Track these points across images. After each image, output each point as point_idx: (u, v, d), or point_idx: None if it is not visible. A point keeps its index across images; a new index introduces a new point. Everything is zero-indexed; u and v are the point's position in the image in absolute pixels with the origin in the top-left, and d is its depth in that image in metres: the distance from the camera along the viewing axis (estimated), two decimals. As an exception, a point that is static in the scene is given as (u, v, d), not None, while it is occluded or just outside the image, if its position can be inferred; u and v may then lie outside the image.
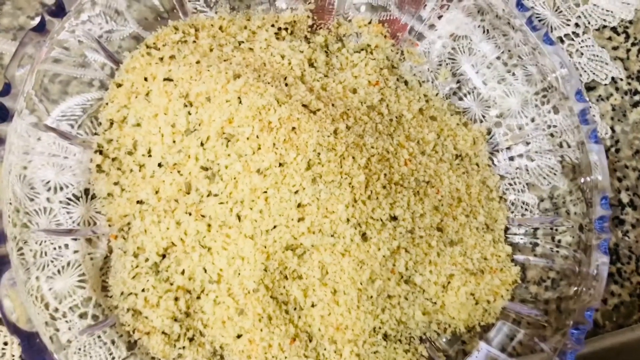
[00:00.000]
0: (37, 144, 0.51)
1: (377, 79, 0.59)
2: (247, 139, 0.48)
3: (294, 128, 0.49)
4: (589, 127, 0.53)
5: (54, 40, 0.49)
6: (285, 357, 0.49)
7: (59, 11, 0.49)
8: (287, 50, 0.57)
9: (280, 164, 0.48)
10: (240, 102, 0.49)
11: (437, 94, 0.62)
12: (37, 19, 0.48)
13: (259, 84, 0.50)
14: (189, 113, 0.50)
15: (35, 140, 0.50)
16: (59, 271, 0.49)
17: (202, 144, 0.50)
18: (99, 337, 0.49)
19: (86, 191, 0.53)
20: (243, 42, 0.57)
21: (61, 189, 0.52)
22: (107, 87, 0.55)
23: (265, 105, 0.49)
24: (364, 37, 0.62)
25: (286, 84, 0.53)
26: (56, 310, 0.48)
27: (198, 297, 0.50)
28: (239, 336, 0.49)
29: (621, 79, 0.69)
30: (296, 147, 0.48)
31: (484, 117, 0.62)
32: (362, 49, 0.61)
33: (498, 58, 0.60)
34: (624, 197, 0.66)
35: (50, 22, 0.49)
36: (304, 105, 0.51)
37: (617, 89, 0.69)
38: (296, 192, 0.48)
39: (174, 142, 0.51)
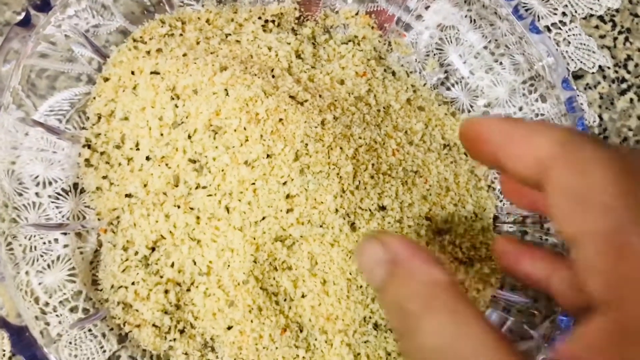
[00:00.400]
0: (25, 139, 0.51)
1: (365, 70, 0.59)
2: (235, 130, 0.48)
3: (281, 119, 0.49)
4: (575, 115, 0.54)
5: (39, 35, 0.49)
6: (276, 348, 0.50)
7: (44, 5, 0.49)
8: (274, 42, 0.57)
9: (267, 155, 0.48)
10: (227, 94, 0.49)
11: (424, 85, 0.62)
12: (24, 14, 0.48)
13: (246, 76, 0.50)
14: (176, 106, 0.50)
15: (23, 135, 0.51)
16: (48, 265, 0.50)
17: (189, 137, 0.50)
18: (90, 330, 0.49)
19: (75, 185, 0.53)
20: (230, 34, 0.57)
21: (50, 183, 0.52)
22: (94, 82, 0.55)
23: (252, 97, 0.49)
24: (351, 29, 0.62)
25: (273, 76, 0.53)
26: (46, 304, 0.48)
27: (188, 290, 0.50)
28: (229, 327, 0.50)
29: (608, 67, 0.69)
30: (284, 139, 0.48)
31: (472, 106, 0.62)
32: (350, 41, 0.61)
33: (485, 48, 0.61)
34: (612, 185, 0.66)
35: (36, 17, 0.49)
36: (291, 97, 0.51)
37: (604, 77, 0.69)
38: (284, 183, 0.48)
39: (162, 135, 0.51)
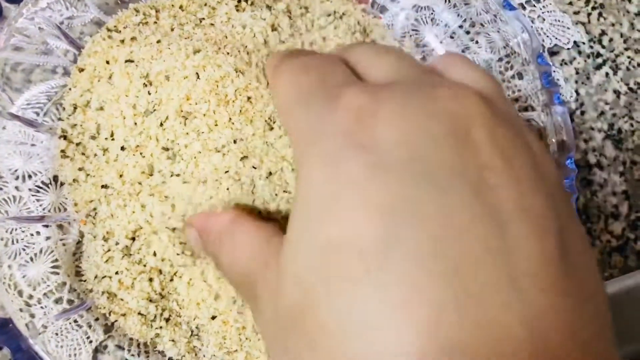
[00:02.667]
0: (3, 132, 0.51)
1: (349, 42, 0.57)
2: (204, 115, 0.47)
3: (249, 98, 0.48)
4: (552, 89, 0.54)
5: (12, 27, 0.49)
6: (259, 340, 0.50)
7: (15, -3, 0.49)
8: (249, 20, 0.55)
9: (234, 141, 0.47)
10: (198, 77, 0.48)
11: (402, 65, 0.62)
12: (-5, 8, 0.48)
13: (218, 56, 0.49)
14: (149, 93, 0.49)
15: (1, 129, 0.50)
16: (31, 258, 0.49)
17: (161, 124, 0.48)
18: (76, 321, 0.49)
19: (55, 178, 0.53)
20: (204, 19, 0.56)
21: (30, 176, 0.52)
22: (70, 74, 0.54)
23: (223, 76, 0.48)
24: (327, 5, 0.60)
25: (247, 52, 0.52)
26: (30, 296, 0.48)
27: (171, 280, 0.50)
28: (213, 317, 0.49)
29: (583, 43, 0.70)
30: (250, 120, 0.47)
31: (449, 86, 0.62)
32: (329, 14, 0.59)
33: (461, 27, 0.61)
34: (591, 158, 0.67)
35: (7, 9, 0.48)
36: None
37: (579, 52, 0.70)
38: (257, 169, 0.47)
39: (135, 124, 0.49)
